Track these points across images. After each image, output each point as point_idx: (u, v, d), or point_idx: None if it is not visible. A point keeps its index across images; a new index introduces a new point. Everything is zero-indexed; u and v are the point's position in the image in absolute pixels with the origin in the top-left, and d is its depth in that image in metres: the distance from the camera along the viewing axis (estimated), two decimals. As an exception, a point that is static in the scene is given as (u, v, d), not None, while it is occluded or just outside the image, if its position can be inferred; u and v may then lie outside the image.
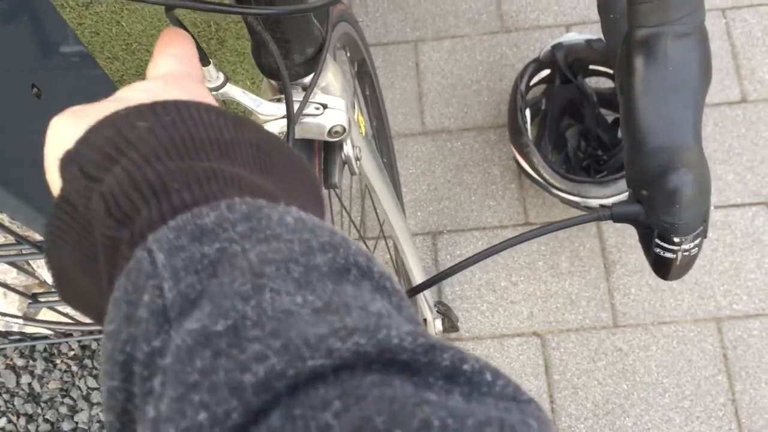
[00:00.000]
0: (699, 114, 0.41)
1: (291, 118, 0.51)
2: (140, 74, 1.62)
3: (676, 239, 0.39)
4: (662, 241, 0.39)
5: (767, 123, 1.48)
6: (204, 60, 0.56)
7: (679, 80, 0.40)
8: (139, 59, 1.64)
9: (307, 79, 0.61)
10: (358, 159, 0.67)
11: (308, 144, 0.63)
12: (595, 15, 1.59)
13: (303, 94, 0.60)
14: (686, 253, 0.39)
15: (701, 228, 0.39)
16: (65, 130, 0.29)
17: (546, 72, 1.44)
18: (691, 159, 0.39)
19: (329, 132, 0.61)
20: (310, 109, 0.61)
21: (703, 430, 1.31)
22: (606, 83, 1.46)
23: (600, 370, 1.36)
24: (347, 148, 0.65)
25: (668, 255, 0.39)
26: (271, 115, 0.59)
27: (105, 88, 1.05)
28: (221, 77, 0.58)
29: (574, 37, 1.40)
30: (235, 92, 0.58)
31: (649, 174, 0.39)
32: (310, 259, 0.23)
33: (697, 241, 0.39)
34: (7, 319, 1.20)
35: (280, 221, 0.24)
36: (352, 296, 0.22)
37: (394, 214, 0.90)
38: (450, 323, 1.23)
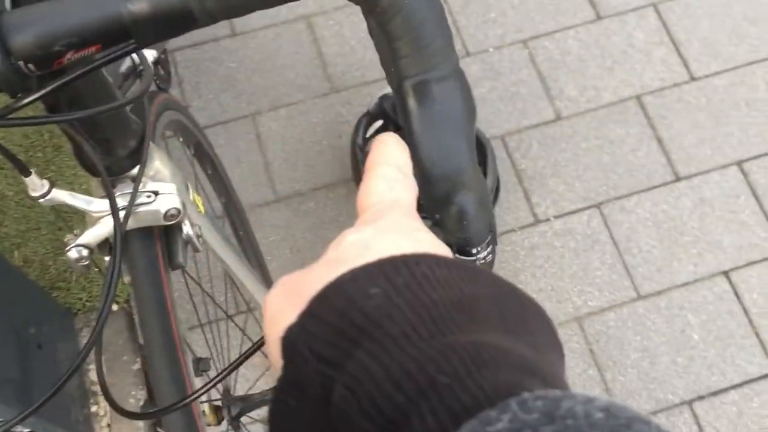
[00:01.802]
0: (471, 141, 0.48)
1: (116, 213, 0.54)
2: (-25, 194, 1.57)
3: (472, 251, 0.45)
4: (461, 254, 0.45)
5: (583, 134, 1.63)
6: (24, 171, 0.58)
7: (448, 116, 0.47)
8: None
9: (135, 171, 0.64)
10: (199, 236, 0.70)
11: (147, 231, 0.65)
12: (414, 63, 1.71)
13: (132, 185, 0.63)
14: (483, 261, 0.45)
15: (489, 236, 0.45)
16: (282, 307, 0.26)
17: (379, 122, 1.52)
18: (470, 180, 0.46)
19: (165, 216, 0.64)
20: (142, 198, 0.63)
21: (586, 423, 1.40)
22: (436, 123, 1.57)
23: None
24: (186, 228, 0.68)
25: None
26: (103, 211, 0.62)
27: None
28: (45, 185, 0.60)
29: (397, 87, 1.50)
30: (63, 196, 0.60)
31: (438, 199, 0.45)
32: None
33: (489, 248, 0.45)
34: None
35: (587, 417, 0.19)
36: None
37: (253, 285, 0.93)
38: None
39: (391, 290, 0.23)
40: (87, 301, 1.50)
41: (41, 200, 0.59)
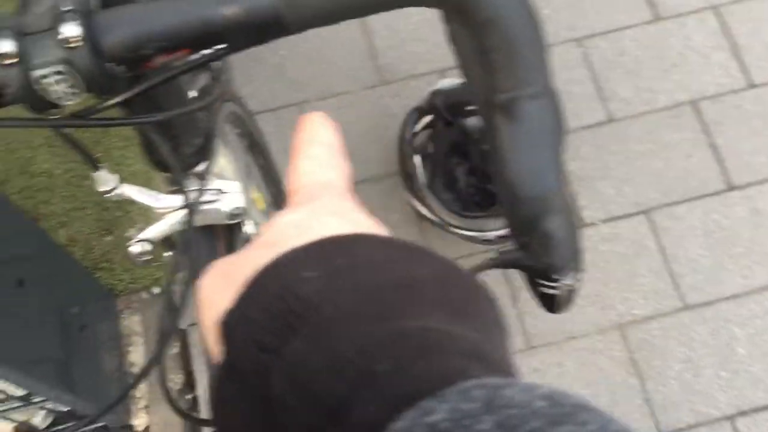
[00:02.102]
0: (560, 162, 0.46)
1: (192, 211, 0.53)
2: (24, 172, 1.59)
3: (556, 276, 0.43)
4: (545, 279, 0.43)
5: (636, 138, 1.60)
6: (94, 166, 0.57)
7: (538, 135, 0.45)
8: (21, 157, 1.60)
9: (200, 168, 0.64)
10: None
11: (210, 229, 0.65)
12: (465, 58, 1.68)
13: (197, 183, 0.62)
14: (568, 287, 0.44)
15: (576, 263, 0.43)
16: (217, 290, 0.25)
17: (428, 118, 1.51)
18: (559, 203, 0.44)
19: (229, 215, 0.63)
20: (207, 196, 0.63)
21: (625, 433, 1.38)
22: (485, 121, 1.54)
23: (523, 393, 1.41)
24: (248, 228, 0.67)
25: (552, 291, 0.43)
26: (169, 207, 0.61)
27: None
28: (114, 179, 0.59)
29: (449, 82, 1.48)
30: (132, 192, 0.60)
31: (525, 221, 0.43)
32: None
33: (575, 275, 0.43)
34: None
35: (529, 406, 0.18)
36: None
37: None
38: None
39: (331, 272, 0.22)
40: (130, 282, 1.51)
41: (107, 195, 0.59)
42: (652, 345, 1.44)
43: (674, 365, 1.43)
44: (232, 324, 0.23)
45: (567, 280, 0.43)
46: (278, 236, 0.26)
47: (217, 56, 0.40)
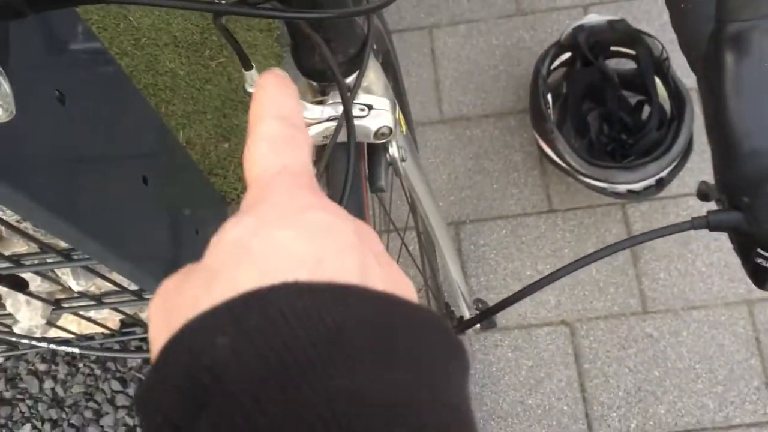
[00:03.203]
0: (798, 112, 0.38)
1: (351, 122, 0.48)
2: (150, 69, 1.59)
3: (780, 249, 0.36)
4: (765, 250, 0.36)
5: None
6: (246, 65, 0.53)
7: (775, 77, 0.37)
8: (149, 54, 1.60)
9: (350, 79, 0.59)
10: (403, 160, 0.64)
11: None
12: (613, -6, 1.56)
13: (347, 94, 0.57)
14: (793, 265, 0.37)
15: (810, 237, 0.36)
16: (157, 328, 0.23)
17: (567, 55, 1.40)
18: (796, 162, 0.37)
19: (375, 134, 0.58)
20: (355, 111, 0.58)
21: (737, 414, 1.29)
22: (627, 64, 1.43)
23: (631, 358, 1.34)
24: (393, 150, 0.63)
25: (772, 265, 0.37)
26: (315, 118, 0.57)
27: (121, 85, 1.02)
28: (264, 81, 0.55)
29: (595, 18, 1.37)
30: (279, 97, 0.55)
31: (750, 180, 0.36)
32: None
33: (802, 250, 0.36)
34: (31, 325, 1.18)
35: None
36: None
37: (433, 211, 0.87)
38: (489, 321, 1.21)
39: (239, 337, 0.20)
40: (242, 191, 1.50)
41: (255, 98, 0.55)
42: (781, 327, 1.33)
43: (802, 352, 1.32)
44: (145, 402, 0.21)
45: (793, 255, 0.36)
46: (221, 261, 0.23)
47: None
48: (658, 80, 1.35)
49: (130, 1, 0.38)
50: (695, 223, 0.37)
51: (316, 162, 0.59)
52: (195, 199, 1.37)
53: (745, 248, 0.38)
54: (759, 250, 0.36)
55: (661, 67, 1.34)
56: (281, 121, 0.27)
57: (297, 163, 0.26)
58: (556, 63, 1.40)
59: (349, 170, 0.47)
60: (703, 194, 0.47)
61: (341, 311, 0.21)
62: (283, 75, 0.30)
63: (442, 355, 0.23)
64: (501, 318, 1.37)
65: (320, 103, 0.58)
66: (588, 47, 1.36)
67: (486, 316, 0.53)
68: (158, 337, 0.22)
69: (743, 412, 1.29)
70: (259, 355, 0.19)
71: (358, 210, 0.58)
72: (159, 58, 1.61)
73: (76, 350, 0.96)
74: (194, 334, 0.20)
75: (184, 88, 1.59)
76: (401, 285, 0.25)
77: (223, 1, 0.40)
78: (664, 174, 1.26)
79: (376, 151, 0.62)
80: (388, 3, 0.44)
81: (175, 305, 0.23)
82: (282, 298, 0.20)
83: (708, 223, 0.37)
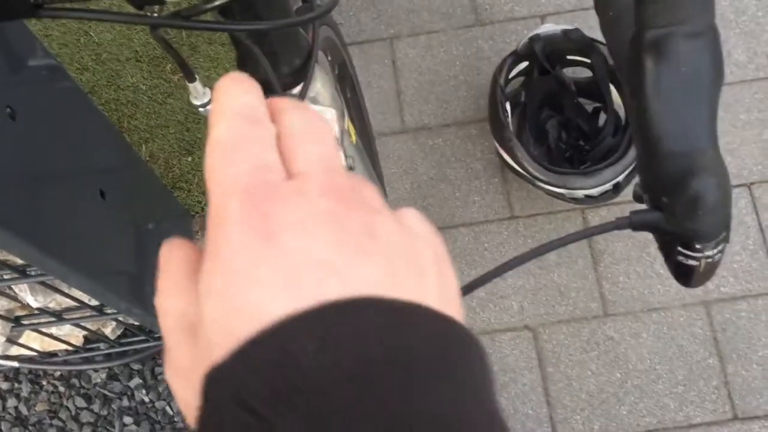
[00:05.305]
0: (714, 115, 0.40)
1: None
2: (111, 84, 1.59)
3: (698, 246, 0.38)
4: (685, 248, 0.38)
5: (744, 105, 1.49)
6: (190, 77, 0.54)
7: (693, 81, 0.39)
8: (110, 69, 1.60)
9: (296, 90, 0.60)
10: (351, 169, 0.65)
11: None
12: (568, 4, 1.59)
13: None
14: (709, 260, 0.38)
15: (724, 234, 0.38)
16: (178, 388, 0.23)
17: (524, 64, 1.43)
18: (710, 162, 0.38)
19: (322, 143, 0.59)
20: (301, 121, 0.59)
21: (697, 414, 1.32)
22: (583, 72, 1.46)
23: (593, 360, 1.36)
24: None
25: (691, 262, 0.38)
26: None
27: (77, 100, 1.02)
28: (208, 93, 0.56)
29: (551, 28, 1.39)
30: (225, 108, 0.56)
31: (668, 180, 0.38)
32: None
33: (720, 247, 0.38)
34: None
35: None
36: None
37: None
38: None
39: (331, 345, 0.20)
40: (206, 204, 1.50)
41: (201, 109, 0.56)
42: (738, 326, 1.36)
43: (759, 350, 1.35)
44: (219, 381, 0.21)
45: (710, 251, 0.37)
46: (215, 334, 0.22)
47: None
48: (612, 88, 1.38)
49: (65, 15, 0.39)
50: (619, 223, 0.39)
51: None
52: (158, 212, 1.36)
53: (666, 247, 0.39)
54: (679, 248, 0.38)
55: (615, 74, 1.36)
56: (237, 119, 0.25)
57: (251, 171, 0.24)
58: (514, 72, 1.43)
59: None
60: (637, 196, 0.48)
61: (413, 332, 0.21)
62: (241, 76, 0.27)
63: (487, 380, 0.23)
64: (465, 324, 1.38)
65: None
66: (544, 56, 1.39)
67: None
68: (185, 399, 0.23)
69: (703, 411, 1.32)
70: (348, 368, 0.20)
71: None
72: (120, 73, 1.60)
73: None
74: (286, 334, 0.20)
75: (146, 103, 1.59)
76: (426, 263, 0.25)
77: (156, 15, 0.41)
78: (620, 179, 1.29)
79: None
80: (323, 14, 0.45)
81: (193, 374, 0.22)
82: (368, 313, 0.21)
83: (630, 222, 0.39)
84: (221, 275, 0.22)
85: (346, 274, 0.22)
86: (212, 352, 0.21)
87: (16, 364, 0.95)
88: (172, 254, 0.25)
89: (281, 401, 0.19)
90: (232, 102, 0.26)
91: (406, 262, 0.23)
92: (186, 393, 0.23)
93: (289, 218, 0.22)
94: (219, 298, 0.22)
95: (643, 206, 0.45)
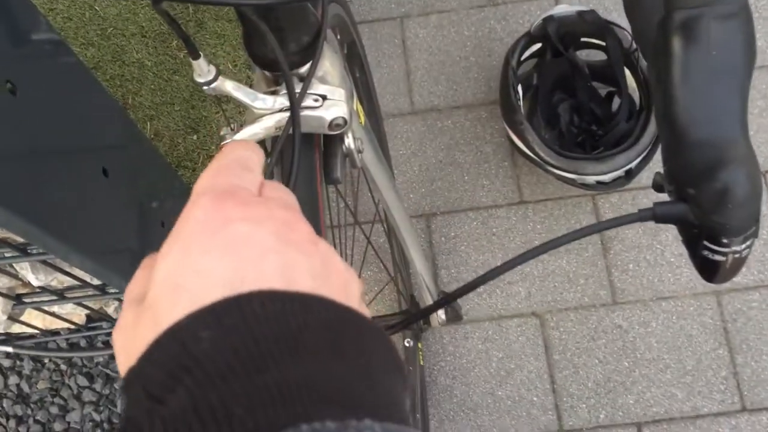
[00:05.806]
0: (745, 103, 0.38)
1: (296, 112, 0.47)
2: (116, 60, 1.57)
3: (725, 240, 0.36)
4: (711, 242, 0.36)
5: (761, 91, 1.46)
6: (194, 53, 0.52)
7: (724, 66, 0.37)
8: (116, 44, 1.58)
9: (304, 69, 0.57)
10: (360, 151, 0.63)
11: (308, 138, 0.59)
12: (584, -15, 1.55)
13: (300, 85, 0.56)
14: (736, 255, 0.36)
15: (753, 228, 0.36)
16: (120, 354, 0.27)
17: (537, 46, 1.40)
18: (741, 153, 0.36)
19: (330, 125, 0.57)
20: (308, 101, 0.57)
21: (705, 404, 1.30)
22: (598, 55, 1.43)
23: (600, 349, 1.34)
24: (349, 141, 0.61)
25: (717, 257, 0.36)
26: (267, 108, 0.55)
27: (81, 76, 1.00)
28: (212, 71, 0.54)
29: (565, 9, 1.36)
30: (228, 86, 0.54)
31: (696, 171, 0.36)
32: None
33: (748, 242, 0.36)
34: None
35: None
36: None
37: (395, 203, 0.86)
38: (454, 313, 1.21)
39: (219, 332, 0.24)
40: (211, 184, 1.48)
41: (205, 87, 0.54)
42: (749, 317, 1.34)
43: (769, 341, 1.33)
44: (132, 380, 0.24)
45: (738, 246, 0.35)
46: (159, 302, 0.26)
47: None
48: (627, 71, 1.35)
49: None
50: (642, 215, 0.37)
51: (269, 154, 0.57)
52: (162, 191, 1.35)
53: (692, 241, 0.37)
54: (705, 243, 0.36)
55: (630, 58, 1.34)
56: (233, 161, 0.31)
57: (225, 184, 0.29)
58: (527, 54, 1.40)
59: (294, 163, 0.46)
60: (657, 185, 0.46)
61: (303, 316, 0.25)
62: (248, 141, 0.35)
63: (383, 362, 0.26)
64: (472, 310, 1.37)
65: (273, 93, 0.57)
66: (558, 38, 1.36)
67: (442, 304, 0.53)
68: (124, 363, 0.26)
69: (711, 402, 1.30)
70: (232, 348, 0.23)
71: (311, 202, 0.57)
72: (126, 48, 1.58)
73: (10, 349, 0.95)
74: (183, 330, 0.24)
75: (151, 79, 1.57)
76: (333, 271, 0.28)
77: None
78: (632, 165, 1.26)
79: (332, 142, 0.61)
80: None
81: (132, 343, 0.26)
82: (256, 303, 0.24)
83: (654, 214, 0.37)
84: (175, 252, 0.27)
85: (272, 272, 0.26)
86: (150, 323, 0.26)
87: (10, 349, 0.94)
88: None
89: (172, 380, 0.23)
90: (234, 152, 0.32)
91: (321, 273, 0.28)
92: (124, 348, 0.27)
93: (246, 215, 0.27)
94: (164, 279, 0.26)
95: (663, 196, 0.42)
